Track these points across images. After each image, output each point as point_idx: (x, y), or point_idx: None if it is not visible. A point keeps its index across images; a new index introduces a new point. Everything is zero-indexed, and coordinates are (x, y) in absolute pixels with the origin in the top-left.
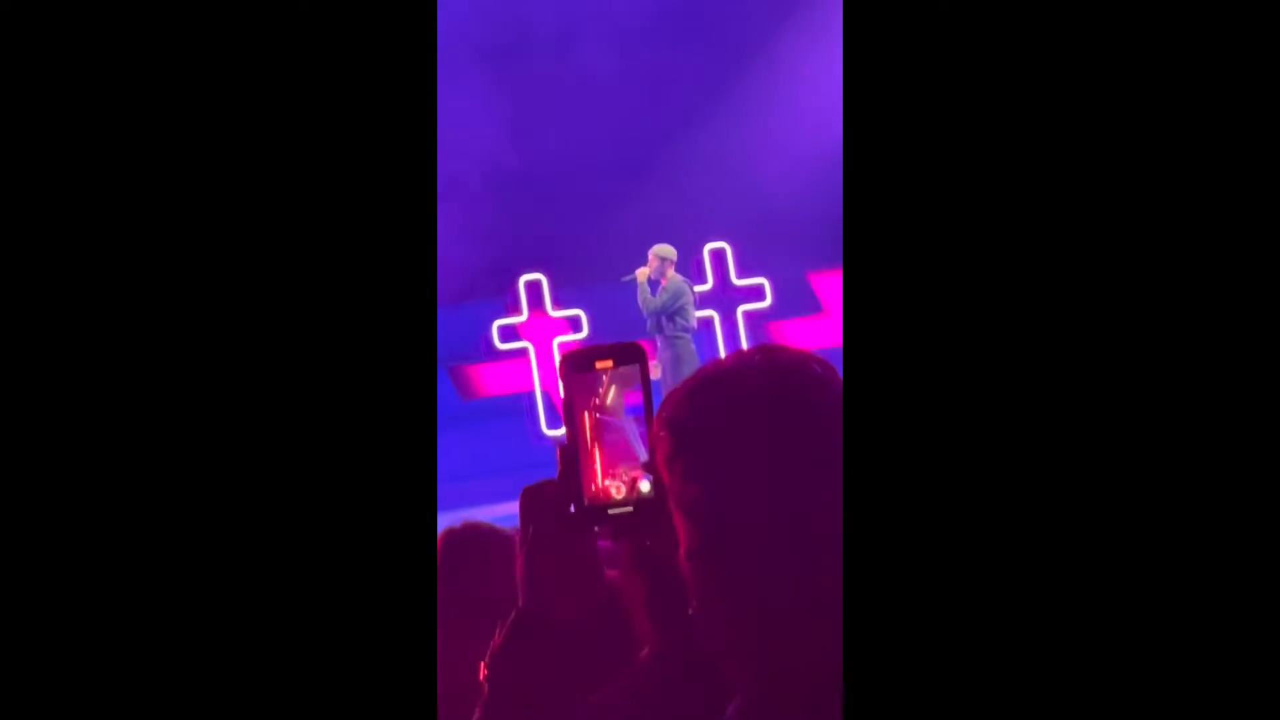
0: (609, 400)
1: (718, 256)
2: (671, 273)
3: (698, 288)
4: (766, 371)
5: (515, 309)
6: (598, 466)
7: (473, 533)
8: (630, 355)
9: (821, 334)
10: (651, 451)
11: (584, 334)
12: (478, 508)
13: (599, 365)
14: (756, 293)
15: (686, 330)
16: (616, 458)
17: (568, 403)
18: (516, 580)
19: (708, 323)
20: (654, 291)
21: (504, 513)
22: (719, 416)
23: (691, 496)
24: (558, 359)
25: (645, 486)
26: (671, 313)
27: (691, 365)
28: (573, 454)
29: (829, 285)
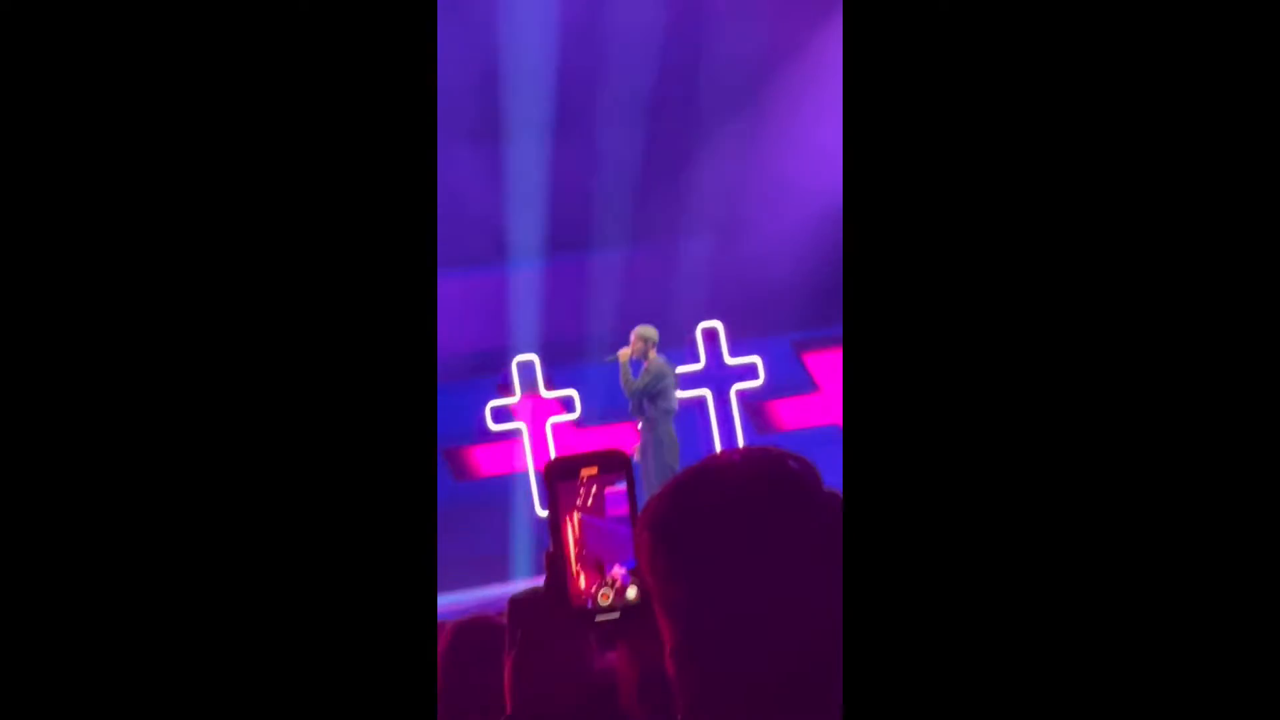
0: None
1: (710, 336)
2: (653, 354)
3: (690, 367)
4: (747, 473)
5: (508, 390)
6: (584, 573)
7: (480, 628)
8: (614, 463)
9: (817, 412)
10: (635, 554)
11: (577, 414)
12: (471, 590)
13: (584, 473)
14: (750, 371)
15: (667, 412)
16: (603, 564)
17: (552, 510)
18: (505, 688)
19: (700, 402)
20: (636, 373)
21: (496, 593)
22: (701, 519)
23: (674, 598)
24: (550, 442)
25: (632, 593)
26: (653, 394)
27: (672, 448)
28: (559, 561)
29: (823, 364)
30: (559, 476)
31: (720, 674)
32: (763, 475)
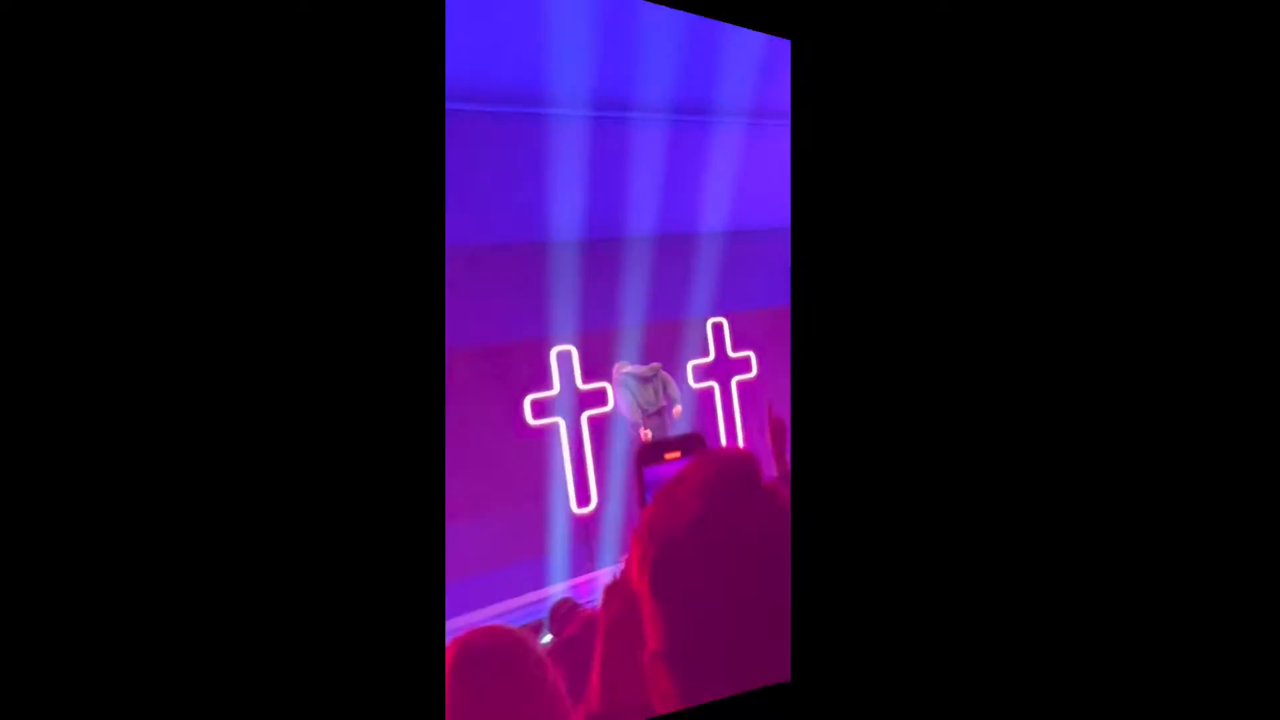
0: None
1: (717, 330)
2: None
3: (701, 360)
4: (705, 482)
5: (546, 383)
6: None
7: (490, 642)
8: (695, 445)
9: None
10: (627, 564)
11: (609, 408)
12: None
13: (668, 456)
14: (744, 365)
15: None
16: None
17: (640, 493)
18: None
19: (708, 393)
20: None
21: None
22: (675, 538)
23: (657, 609)
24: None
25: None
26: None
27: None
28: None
29: None
30: (645, 462)
31: (690, 674)
32: (719, 481)
